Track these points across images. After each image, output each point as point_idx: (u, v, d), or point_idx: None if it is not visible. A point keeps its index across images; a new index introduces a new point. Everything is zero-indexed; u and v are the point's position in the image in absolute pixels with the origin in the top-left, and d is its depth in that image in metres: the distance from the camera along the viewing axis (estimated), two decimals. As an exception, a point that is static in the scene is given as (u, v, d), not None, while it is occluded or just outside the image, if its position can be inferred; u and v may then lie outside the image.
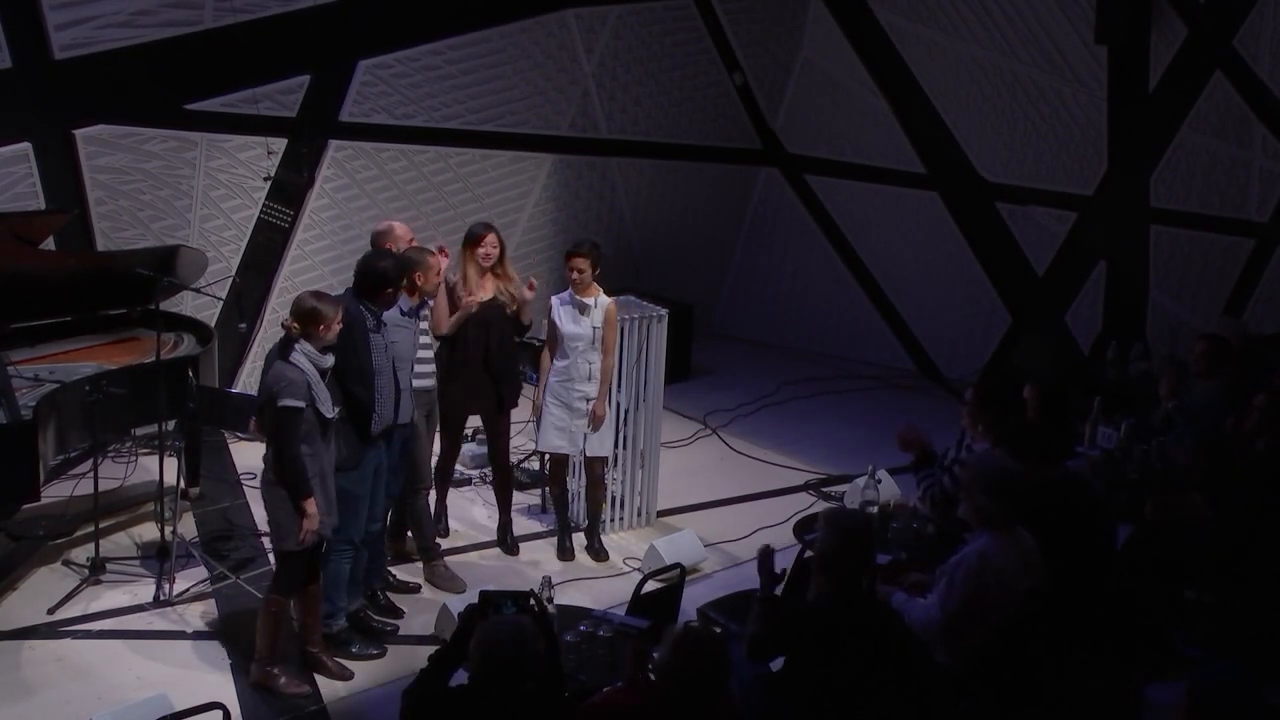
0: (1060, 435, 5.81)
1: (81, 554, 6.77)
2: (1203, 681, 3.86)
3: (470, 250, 6.96)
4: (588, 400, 6.97)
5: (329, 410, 5.52)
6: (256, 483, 7.81)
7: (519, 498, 7.87)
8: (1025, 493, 4.90)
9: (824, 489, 8.31)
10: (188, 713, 4.77)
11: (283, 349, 5.49)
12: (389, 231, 6.80)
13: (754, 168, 11.44)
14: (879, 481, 6.47)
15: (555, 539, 7.32)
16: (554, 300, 7.08)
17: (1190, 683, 3.86)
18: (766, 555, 4.75)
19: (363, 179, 9.15)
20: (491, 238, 6.99)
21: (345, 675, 5.89)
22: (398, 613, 6.48)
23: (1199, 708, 3.78)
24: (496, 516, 7.40)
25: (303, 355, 5.45)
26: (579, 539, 7.31)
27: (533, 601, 4.34)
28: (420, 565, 6.90)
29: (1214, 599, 5.44)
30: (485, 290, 6.94)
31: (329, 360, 5.59)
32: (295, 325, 5.48)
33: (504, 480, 7.35)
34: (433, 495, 7.12)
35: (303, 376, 5.40)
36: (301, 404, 5.38)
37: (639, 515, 7.67)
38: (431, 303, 6.66)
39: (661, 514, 7.80)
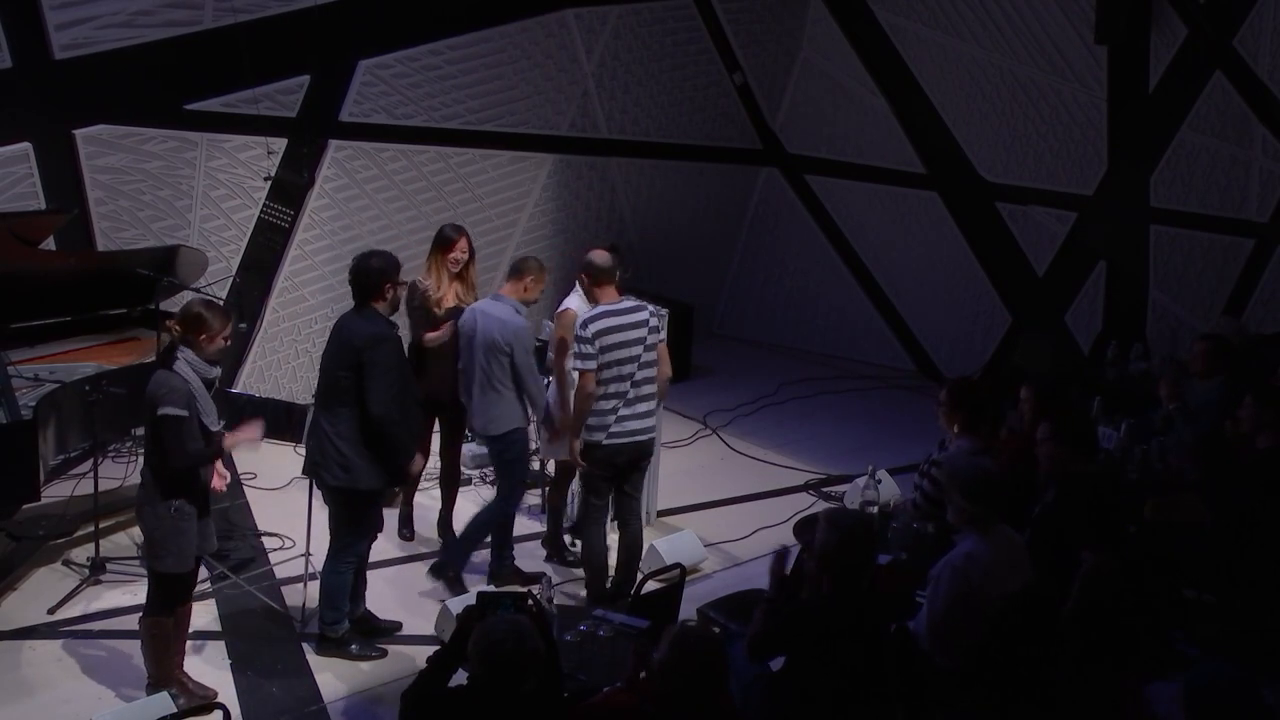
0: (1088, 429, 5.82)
1: (81, 554, 6.78)
2: (1202, 681, 3.86)
3: (442, 254, 6.88)
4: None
5: (214, 423, 5.38)
6: (256, 483, 7.87)
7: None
8: (1001, 492, 4.92)
9: (824, 489, 8.31)
10: (188, 713, 4.78)
11: (164, 356, 5.33)
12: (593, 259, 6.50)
13: (754, 168, 11.44)
14: (879, 481, 6.47)
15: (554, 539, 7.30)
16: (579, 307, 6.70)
17: (1190, 683, 3.86)
18: (781, 558, 4.76)
19: (363, 179, 9.14)
20: (463, 242, 6.90)
21: (209, 694, 5.61)
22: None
23: (1198, 708, 3.79)
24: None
25: (186, 364, 5.27)
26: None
27: (530, 602, 4.35)
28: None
29: (1214, 599, 5.44)
30: (448, 299, 6.86)
31: (215, 371, 5.46)
32: (177, 328, 5.32)
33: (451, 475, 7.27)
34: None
35: (185, 385, 5.23)
36: (184, 412, 5.19)
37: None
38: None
39: (661, 514, 7.78)
